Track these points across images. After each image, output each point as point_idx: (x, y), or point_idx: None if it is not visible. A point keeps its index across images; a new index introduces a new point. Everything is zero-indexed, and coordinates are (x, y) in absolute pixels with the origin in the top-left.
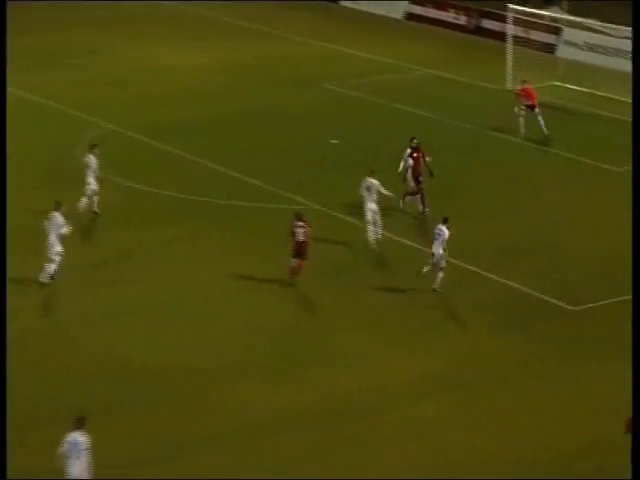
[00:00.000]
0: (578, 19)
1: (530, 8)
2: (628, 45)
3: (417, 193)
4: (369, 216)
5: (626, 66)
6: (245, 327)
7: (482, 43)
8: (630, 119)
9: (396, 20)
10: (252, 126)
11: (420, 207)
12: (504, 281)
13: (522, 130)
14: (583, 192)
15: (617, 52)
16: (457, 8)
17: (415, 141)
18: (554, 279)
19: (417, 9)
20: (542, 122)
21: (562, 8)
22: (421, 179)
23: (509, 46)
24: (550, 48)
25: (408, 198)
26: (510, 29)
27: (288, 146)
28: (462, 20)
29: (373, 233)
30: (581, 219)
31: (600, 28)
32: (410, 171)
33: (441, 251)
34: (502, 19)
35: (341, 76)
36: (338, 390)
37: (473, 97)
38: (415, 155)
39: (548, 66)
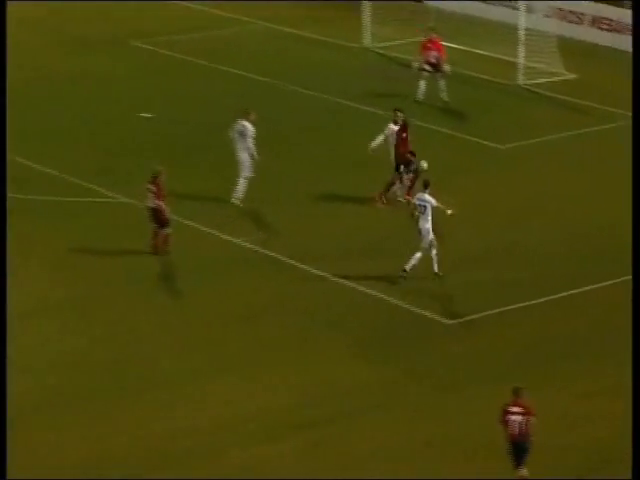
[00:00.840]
0: None
1: None
2: None
3: (393, 184)
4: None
5: (510, 17)
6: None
7: None
8: (522, 83)
9: None
10: (39, 99)
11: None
12: (365, 290)
13: (420, 97)
14: (463, 177)
15: (499, 0)
16: None
17: (400, 115)
18: (426, 287)
19: None
20: (443, 86)
21: None
22: (407, 167)
23: None
24: None
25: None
26: None
27: (87, 123)
28: None
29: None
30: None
31: None
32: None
33: (428, 225)
34: None
35: (154, 32)
36: (153, 434)
37: (323, 57)
38: (404, 135)
39: (415, 18)
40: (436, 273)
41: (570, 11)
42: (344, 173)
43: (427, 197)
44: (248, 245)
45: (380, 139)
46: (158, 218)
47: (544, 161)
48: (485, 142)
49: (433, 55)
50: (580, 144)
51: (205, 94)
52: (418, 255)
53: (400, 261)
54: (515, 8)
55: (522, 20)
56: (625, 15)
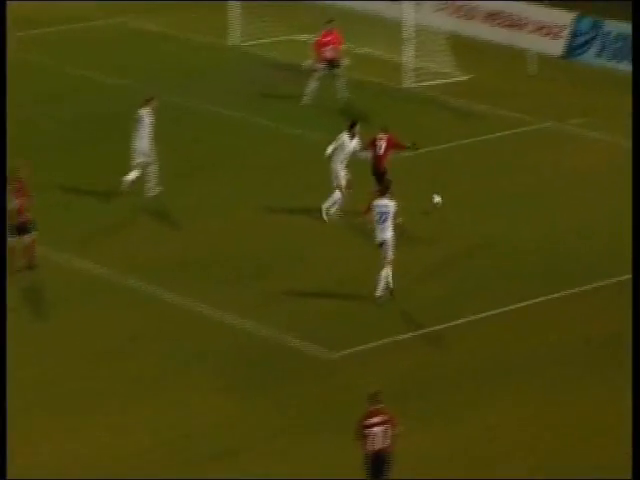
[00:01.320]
0: None
1: None
2: None
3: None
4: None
5: (396, 12)
6: None
7: None
8: (411, 85)
9: None
10: None
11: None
12: (236, 319)
13: (306, 98)
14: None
15: None
16: None
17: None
18: (305, 312)
19: None
20: (343, 84)
21: None
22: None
23: None
24: None
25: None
26: None
27: None
28: None
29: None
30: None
31: None
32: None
33: (389, 235)
34: None
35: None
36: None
37: (184, 56)
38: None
39: (290, 14)
40: (392, 290)
41: (462, 5)
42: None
43: (388, 203)
44: (106, 272)
45: (330, 149)
46: (20, 224)
47: (433, 173)
48: None
49: (330, 49)
50: (474, 153)
51: (47, 98)
52: (382, 272)
53: (280, 285)
54: (401, 2)
55: (409, 16)
56: (523, 9)
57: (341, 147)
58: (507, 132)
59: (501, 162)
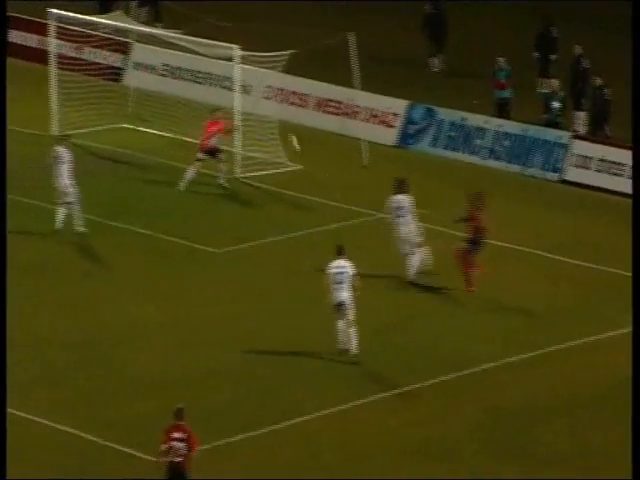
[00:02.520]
0: (152, 30)
1: (81, 14)
2: (222, 68)
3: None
4: None
5: (223, 97)
6: None
7: (11, 65)
8: (240, 176)
9: None
10: None
11: None
12: (50, 423)
13: (184, 183)
14: (169, 284)
15: (208, 77)
16: None
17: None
18: (128, 415)
19: None
20: (223, 172)
21: (130, 14)
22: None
23: (53, 70)
24: (115, 73)
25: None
26: (53, 45)
27: None
28: None
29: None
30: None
31: (185, 44)
32: None
33: (345, 296)
34: (40, 30)
35: None
36: None
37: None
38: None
39: (113, 100)
40: (355, 355)
41: (293, 92)
42: None
43: (344, 264)
44: None
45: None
46: None
47: (264, 266)
48: (199, 246)
49: (215, 139)
50: (309, 244)
51: None
52: (349, 331)
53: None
54: (229, 89)
55: (238, 103)
56: (355, 96)
57: None
58: (338, 224)
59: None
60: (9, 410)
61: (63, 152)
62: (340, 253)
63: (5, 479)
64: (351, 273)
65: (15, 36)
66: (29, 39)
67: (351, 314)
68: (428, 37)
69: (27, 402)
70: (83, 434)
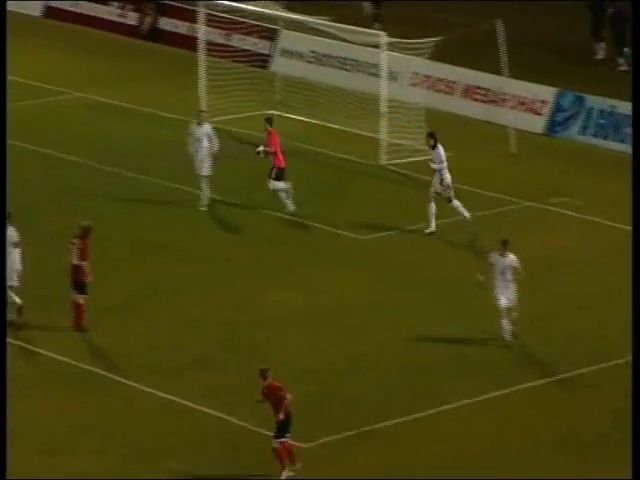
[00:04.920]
0: (300, 17)
1: (231, 1)
2: (371, 55)
3: None
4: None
5: (370, 84)
6: None
7: (161, 52)
8: (386, 163)
9: (32, 18)
10: None
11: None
12: (203, 409)
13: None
14: (316, 271)
15: (357, 65)
16: (123, 1)
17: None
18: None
19: (62, 3)
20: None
21: (278, 1)
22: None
23: (202, 57)
24: (262, 60)
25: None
26: (202, 32)
27: None
28: (131, 18)
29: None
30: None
31: (333, 31)
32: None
33: (510, 296)
34: (190, 18)
35: None
36: None
37: (148, 133)
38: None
39: (260, 87)
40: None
41: (439, 79)
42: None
43: (509, 259)
44: (61, 358)
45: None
46: (77, 281)
47: (414, 252)
48: (343, 232)
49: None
50: (455, 232)
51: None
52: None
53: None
54: (376, 76)
55: (384, 89)
56: (503, 83)
57: None
58: (486, 212)
59: (479, 244)
60: (160, 394)
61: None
62: (505, 246)
63: (5, 479)
64: (515, 266)
65: (165, 23)
66: (179, 26)
67: (514, 303)
68: (612, 37)
69: (176, 387)
70: (231, 419)
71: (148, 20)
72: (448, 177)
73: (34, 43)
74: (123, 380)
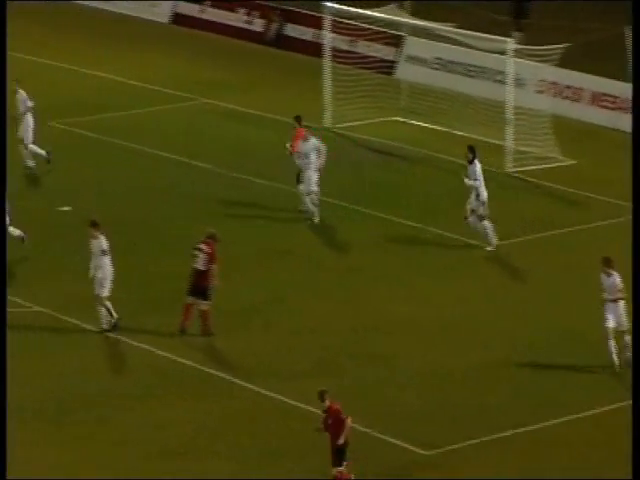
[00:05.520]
0: (426, 24)
1: (357, 8)
2: (495, 61)
3: None
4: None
5: (495, 91)
6: None
7: (286, 58)
8: (511, 170)
9: (159, 25)
10: None
11: None
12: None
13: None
14: (449, 281)
15: (482, 72)
16: (250, 7)
17: None
18: (392, 411)
19: (189, 9)
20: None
21: (403, 7)
22: None
23: (327, 64)
24: (387, 66)
25: None
26: (328, 38)
27: None
28: (257, 25)
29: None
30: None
31: (458, 37)
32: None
33: (618, 318)
34: (316, 24)
35: (75, 109)
36: None
37: (274, 140)
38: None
39: (385, 93)
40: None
41: (566, 86)
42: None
43: (613, 280)
44: (184, 361)
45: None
46: (200, 287)
47: (536, 261)
48: (471, 241)
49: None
50: (578, 241)
51: (133, 182)
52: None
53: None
54: (502, 83)
55: (510, 96)
56: (631, 90)
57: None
58: (612, 221)
59: (608, 250)
60: (282, 398)
61: (308, 147)
62: (608, 264)
63: (5, 479)
64: (619, 287)
65: (291, 29)
66: (305, 32)
67: (625, 326)
68: None
69: (297, 391)
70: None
71: (274, 26)
72: (485, 194)
73: (161, 49)
74: (245, 384)
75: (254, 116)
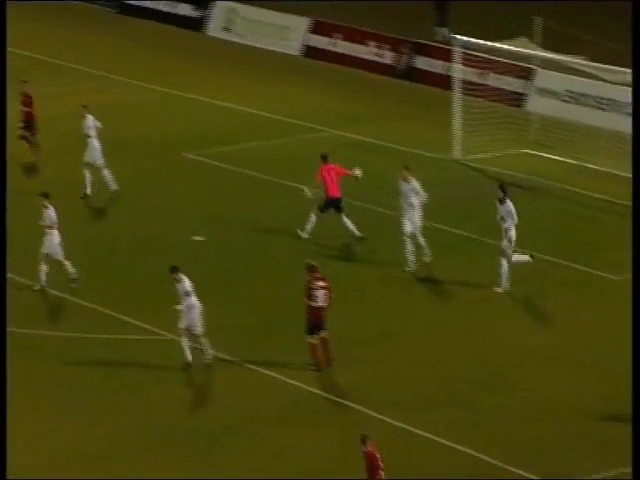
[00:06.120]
0: (557, 56)
1: (487, 41)
2: (626, 94)
3: None
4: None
5: (627, 124)
6: None
7: (418, 91)
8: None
9: (290, 57)
10: (72, 216)
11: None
12: (448, 443)
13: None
14: (576, 312)
15: (613, 104)
16: (380, 40)
17: None
18: (512, 436)
19: (320, 41)
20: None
21: (533, 40)
22: None
23: (457, 96)
24: (517, 99)
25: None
26: (458, 71)
27: (126, 244)
28: (387, 57)
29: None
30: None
31: (589, 70)
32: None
33: None
34: (446, 57)
35: (208, 140)
36: None
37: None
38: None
39: (515, 125)
40: None
41: None
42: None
43: None
44: (309, 389)
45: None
46: (321, 322)
47: None
48: (598, 272)
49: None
50: None
51: (267, 214)
52: None
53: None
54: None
55: (629, 128)
56: None
57: None
58: None
59: None
60: (409, 428)
61: (408, 188)
62: None
63: (5, 479)
64: None
65: (421, 62)
66: (435, 65)
67: None
68: None
69: (425, 420)
70: (481, 455)
71: (404, 59)
72: (513, 234)
73: (292, 81)
74: (373, 413)
75: (383, 147)
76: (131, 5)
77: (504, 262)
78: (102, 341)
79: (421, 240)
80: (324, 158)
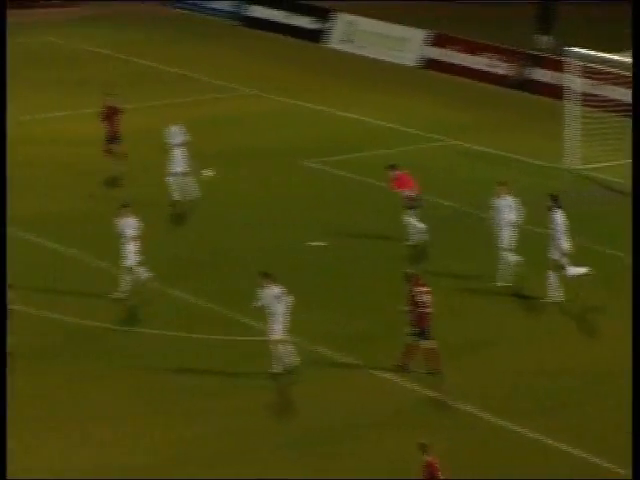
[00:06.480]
0: None
1: (601, 52)
2: None
3: None
4: None
5: None
6: None
7: (531, 101)
8: None
9: (407, 68)
10: (199, 220)
11: None
12: (560, 446)
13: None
14: None
15: None
16: (495, 52)
17: None
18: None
19: (437, 52)
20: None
21: None
22: None
23: (570, 106)
24: (630, 109)
25: None
26: (572, 82)
27: (253, 250)
28: (502, 68)
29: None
30: None
31: None
32: None
33: None
34: (560, 68)
35: (328, 149)
36: None
37: (520, 180)
38: None
39: (627, 136)
40: None
41: None
42: None
43: None
44: (424, 392)
45: None
46: (427, 327)
47: None
48: None
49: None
50: None
51: (385, 221)
52: None
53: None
54: None
55: None
56: None
57: None
58: None
59: None
60: (523, 432)
61: (502, 204)
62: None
63: (5, 479)
64: None
65: (535, 73)
66: (547, 75)
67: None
68: None
69: (529, 425)
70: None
71: (519, 70)
72: (564, 244)
73: (409, 92)
74: (483, 414)
75: (498, 157)
76: (255, 18)
77: (551, 274)
78: (216, 342)
79: (512, 258)
80: (392, 167)
